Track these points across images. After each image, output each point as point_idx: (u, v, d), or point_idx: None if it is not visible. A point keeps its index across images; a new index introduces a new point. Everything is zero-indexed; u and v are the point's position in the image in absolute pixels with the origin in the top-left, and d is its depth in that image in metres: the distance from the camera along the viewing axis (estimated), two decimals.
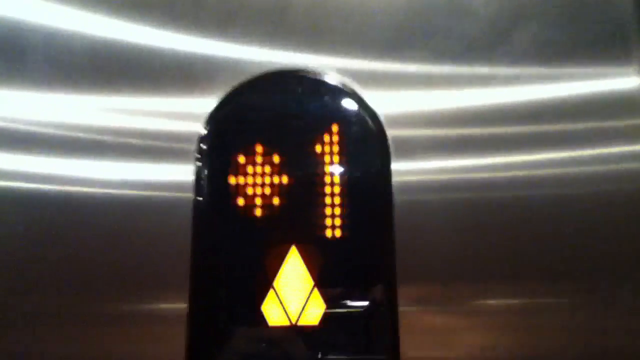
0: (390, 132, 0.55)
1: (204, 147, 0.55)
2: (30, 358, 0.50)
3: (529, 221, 0.53)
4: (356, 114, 0.56)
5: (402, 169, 0.54)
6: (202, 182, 0.54)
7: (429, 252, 0.53)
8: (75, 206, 0.52)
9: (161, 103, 0.55)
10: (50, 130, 0.53)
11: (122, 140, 0.54)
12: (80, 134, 0.53)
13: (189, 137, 0.54)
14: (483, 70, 0.56)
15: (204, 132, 0.55)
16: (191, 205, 0.53)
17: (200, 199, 0.54)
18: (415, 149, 0.54)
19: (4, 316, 0.50)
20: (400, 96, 0.56)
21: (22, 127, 0.53)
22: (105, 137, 0.53)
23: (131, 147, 0.54)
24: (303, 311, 0.52)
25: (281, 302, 0.52)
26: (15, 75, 0.54)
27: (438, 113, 0.55)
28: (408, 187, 0.54)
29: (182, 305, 0.51)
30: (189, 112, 0.55)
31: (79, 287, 0.51)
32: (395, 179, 0.54)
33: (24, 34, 0.55)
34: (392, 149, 0.54)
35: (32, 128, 0.53)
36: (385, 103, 0.56)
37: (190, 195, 0.53)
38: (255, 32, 0.57)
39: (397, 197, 0.53)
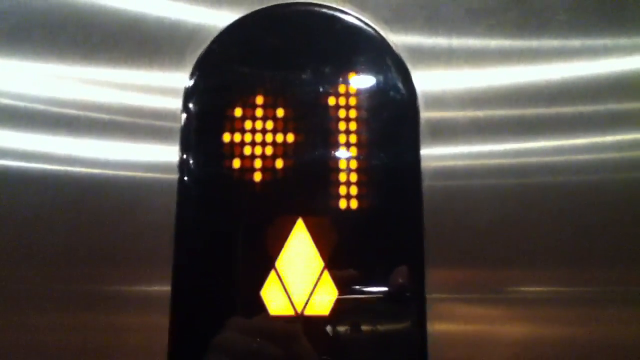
0: (426, 114, 0.51)
1: (191, 99, 0.50)
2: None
3: (575, 207, 0.50)
4: (379, 60, 0.51)
5: (438, 153, 0.51)
6: (189, 141, 0.49)
7: (463, 237, 0.49)
8: (52, 185, 0.49)
9: (147, 76, 0.51)
10: (27, 104, 0.51)
11: (102, 116, 0.51)
12: (58, 109, 0.51)
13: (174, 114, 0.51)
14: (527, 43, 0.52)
15: (189, 82, 0.50)
16: (176, 177, 0.49)
17: (188, 160, 0.49)
18: (451, 130, 0.51)
19: None
20: (436, 74, 0.52)
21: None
22: (86, 113, 0.51)
23: (112, 123, 0.50)
24: (310, 298, 0.47)
25: (284, 287, 0.47)
26: None
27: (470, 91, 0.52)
28: (444, 171, 0.50)
29: (165, 289, 0.47)
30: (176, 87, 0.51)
31: (58, 268, 0.48)
32: (432, 163, 0.50)
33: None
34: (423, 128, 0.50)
35: (6, 100, 0.50)
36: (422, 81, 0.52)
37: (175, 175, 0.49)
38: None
39: (433, 182, 0.50)
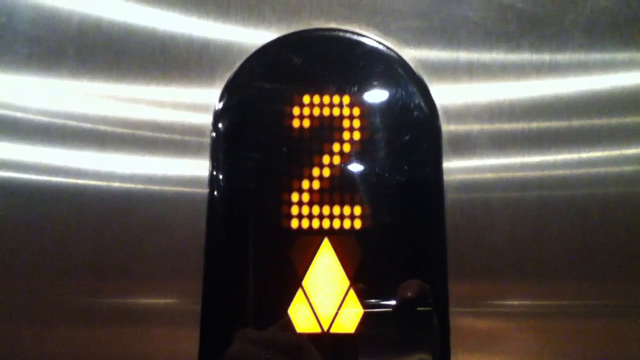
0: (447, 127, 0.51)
1: (221, 120, 0.51)
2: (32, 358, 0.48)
3: (596, 221, 0.50)
4: (401, 81, 0.51)
5: (460, 166, 0.51)
6: (219, 160, 0.50)
7: (485, 251, 0.49)
8: (85, 200, 0.50)
9: (177, 93, 0.52)
10: (61, 121, 0.51)
11: (134, 132, 0.51)
12: (91, 125, 0.51)
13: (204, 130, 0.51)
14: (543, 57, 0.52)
15: (219, 104, 0.51)
16: (206, 196, 0.50)
17: (218, 178, 0.50)
18: (473, 144, 0.51)
19: (5, 312, 0.49)
20: (456, 87, 0.52)
21: (31, 116, 0.51)
22: (117, 129, 0.51)
23: (143, 139, 0.51)
24: (337, 316, 0.47)
25: (311, 305, 0.47)
26: (24, 62, 0.53)
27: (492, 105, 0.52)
28: (466, 185, 0.50)
29: (194, 304, 0.48)
30: (206, 104, 0.52)
31: (87, 281, 0.49)
32: (453, 176, 0.50)
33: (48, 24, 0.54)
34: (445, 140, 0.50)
35: (42, 118, 0.51)
36: (442, 94, 0.52)
37: (205, 189, 0.50)
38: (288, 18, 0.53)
39: (455, 196, 0.50)
